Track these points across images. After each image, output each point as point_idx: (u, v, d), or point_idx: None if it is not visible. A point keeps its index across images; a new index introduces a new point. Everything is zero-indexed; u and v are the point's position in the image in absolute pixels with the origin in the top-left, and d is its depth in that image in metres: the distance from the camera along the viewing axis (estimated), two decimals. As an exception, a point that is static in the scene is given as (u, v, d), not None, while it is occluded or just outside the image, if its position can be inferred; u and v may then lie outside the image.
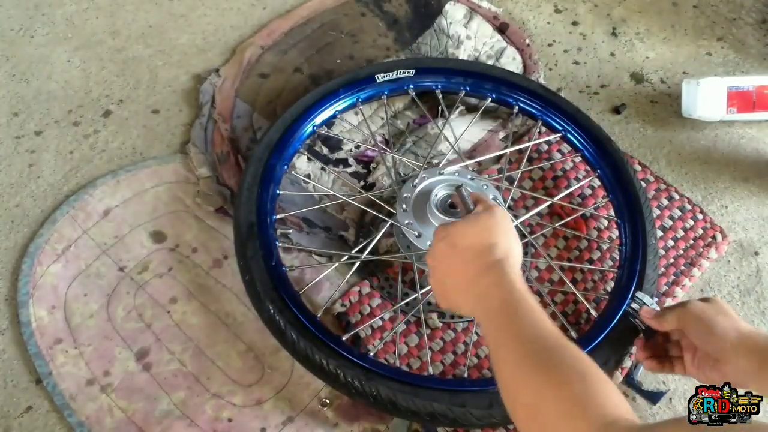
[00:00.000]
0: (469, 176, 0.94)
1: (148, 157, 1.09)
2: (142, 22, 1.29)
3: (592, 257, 1.00)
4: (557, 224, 1.00)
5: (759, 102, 1.13)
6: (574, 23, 1.33)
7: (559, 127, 1.06)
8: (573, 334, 0.90)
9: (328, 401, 0.86)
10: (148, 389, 0.87)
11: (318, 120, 1.02)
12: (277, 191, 0.94)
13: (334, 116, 1.04)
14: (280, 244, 0.89)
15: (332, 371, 0.79)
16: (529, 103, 1.07)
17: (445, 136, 1.06)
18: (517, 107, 1.07)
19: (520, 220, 0.97)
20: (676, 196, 1.06)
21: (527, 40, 1.24)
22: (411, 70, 1.08)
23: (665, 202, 1.05)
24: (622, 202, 0.98)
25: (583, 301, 0.92)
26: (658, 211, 1.04)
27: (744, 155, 1.14)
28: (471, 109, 1.13)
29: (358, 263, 0.94)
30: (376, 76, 1.06)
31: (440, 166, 0.98)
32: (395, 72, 1.07)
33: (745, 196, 1.09)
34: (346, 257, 0.94)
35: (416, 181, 0.92)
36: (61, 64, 1.22)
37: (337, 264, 0.94)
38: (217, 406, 0.86)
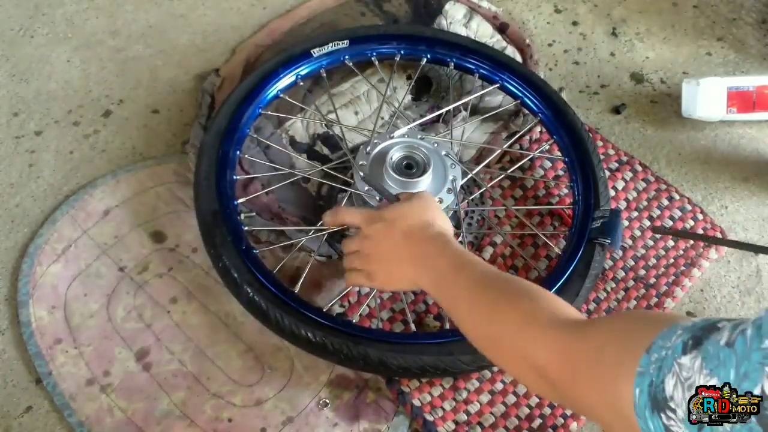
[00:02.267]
0: (418, 136, 0.98)
1: (148, 157, 1.09)
2: (142, 22, 1.29)
3: (551, 201, 1.04)
4: (509, 170, 1.05)
5: (759, 102, 1.13)
6: (574, 23, 1.33)
7: (496, 78, 1.09)
8: (540, 272, 0.96)
9: (328, 401, 0.87)
10: (148, 389, 0.87)
11: (262, 102, 1.02)
12: (234, 177, 0.94)
13: (276, 96, 1.03)
14: (246, 228, 0.90)
15: (319, 342, 0.80)
16: (464, 58, 1.09)
17: (388, 102, 1.08)
18: (452, 64, 1.10)
19: (474, 171, 1.01)
20: (677, 197, 1.06)
21: (527, 40, 1.24)
22: (345, 41, 1.07)
23: (665, 202, 1.05)
24: (567, 141, 1.02)
25: (546, 240, 0.98)
26: (658, 212, 1.04)
27: (744, 155, 1.14)
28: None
29: (326, 234, 0.95)
30: (311, 51, 1.05)
31: (388, 130, 1.00)
32: (330, 44, 1.06)
33: (745, 196, 1.09)
34: (313, 230, 0.94)
35: (369, 148, 0.95)
36: (61, 64, 1.22)
37: (306, 238, 0.94)
38: (217, 406, 0.86)
